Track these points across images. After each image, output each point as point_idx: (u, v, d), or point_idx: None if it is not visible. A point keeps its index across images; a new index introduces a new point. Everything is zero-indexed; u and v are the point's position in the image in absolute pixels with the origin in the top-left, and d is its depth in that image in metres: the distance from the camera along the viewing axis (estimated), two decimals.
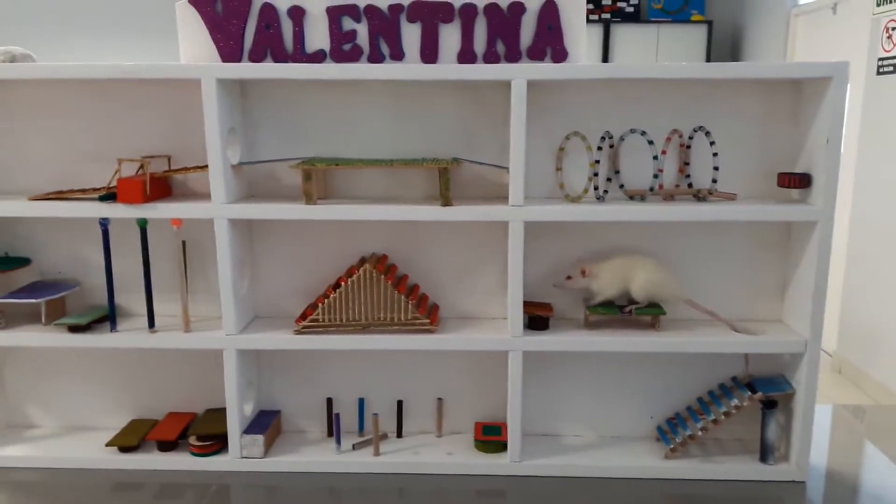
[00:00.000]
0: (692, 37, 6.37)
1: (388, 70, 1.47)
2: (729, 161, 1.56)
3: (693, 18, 6.40)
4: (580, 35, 1.53)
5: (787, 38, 5.48)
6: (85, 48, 6.18)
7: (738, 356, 1.63)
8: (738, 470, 1.57)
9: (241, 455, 1.59)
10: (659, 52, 6.42)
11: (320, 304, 1.56)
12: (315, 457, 1.62)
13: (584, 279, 1.58)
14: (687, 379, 1.67)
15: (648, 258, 1.58)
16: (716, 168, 1.51)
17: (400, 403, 1.70)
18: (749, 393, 1.56)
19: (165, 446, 1.62)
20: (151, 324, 1.57)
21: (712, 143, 1.50)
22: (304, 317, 1.59)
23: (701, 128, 1.51)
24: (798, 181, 1.49)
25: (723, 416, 1.56)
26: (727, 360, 1.65)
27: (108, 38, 6.22)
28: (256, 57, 1.54)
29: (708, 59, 6.31)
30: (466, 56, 1.54)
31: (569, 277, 1.59)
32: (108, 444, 1.63)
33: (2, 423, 1.74)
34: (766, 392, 1.56)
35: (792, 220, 1.53)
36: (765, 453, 1.58)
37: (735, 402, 1.56)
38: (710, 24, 6.30)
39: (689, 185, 1.57)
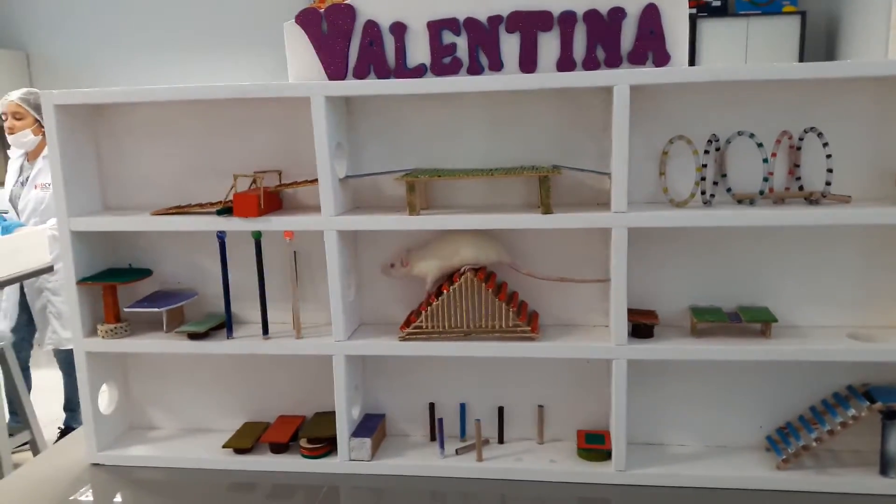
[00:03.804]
0: (784, 30, 6.12)
1: (489, 82, 1.49)
2: (841, 162, 1.50)
3: (785, 10, 6.15)
4: (682, 38, 1.51)
5: (888, 28, 5.21)
6: (172, 70, 6.46)
7: (851, 364, 1.57)
8: (856, 483, 1.50)
9: (350, 458, 1.64)
10: (749, 47, 6.20)
11: (423, 312, 1.59)
12: (420, 461, 1.65)
13: (404, 269, 1.62)
14: (798, 387, 1.62)
15: (465, 231, 1.59)
16: (829, 170, 1.46)
17: (501, 410, 1.72)
18: (868, 403, 1.50)
19: (278, 448, 1.69)
20: (266, 331, 1.64)
21: (825, 145, 1.45)
22: (408, 323, 1.62)
23: (813, 128, 1.46)
24: None
25: (839, 427, 1.50)
26: (839, 367, 1.59)
27: (183, 58, 6.47)
28: (360, 73, 1.59)
29: (801, 54, 6.06)
30: (566, 63, 1.54)
31: (392, 265, 1.63)
32: (224, 446, 1.71)
33: (126, 424, 1.85)
34: (886, 402, 1.49)
35: None
36: (885, 466, 1.51)
37: (853, 412, 1.50)
38: (803, 15, 6.05)
39: (800, 188, 1.52)
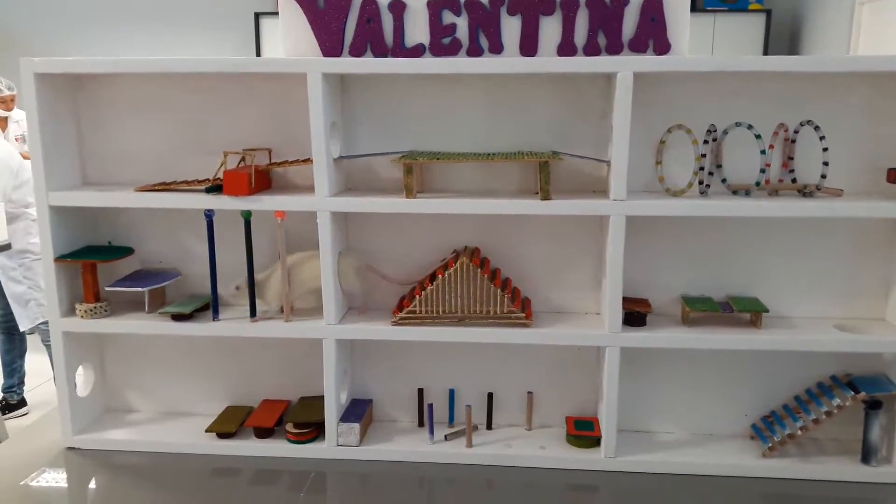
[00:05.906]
0: (750, 27, 6.21)
1: (491, 64, 1.47)
2: (833, 156, 1.52)
3: (751, 7, 6.25)
4: (684, 27, 1.51)
5: (851, 29, 5.33)
6: (135, 44, 6.22)
7: (836, 354, 1.60)
8: (838, 471, 1.54)
9: (338, 443, 1.61)
10: (715, 42, 6.28)
11: (417, 296, 1.57)
12: (408, 446, 1.63)
13: (238, 292, 1.62)
14: (783, 376, 1.65)
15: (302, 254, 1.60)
16: (825, 163, 1.48)
17: (490, 396, 1.71)
18: (852, 393, 1.53)
19: (262, 433, 1.65)
20: (253, 313, 1.60)
21: (822, 138, 1.47)
22: (400, 308, 1.60)
23: (809, 122, 1.48)
24: None
25: (824, 416, 1.53)
26: (824, 357, 1.62)
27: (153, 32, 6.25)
28: (357, 51, 1.55)
29: (766, 51, 6.17)
30: (567, 48, 1.53)
31: (237, 287, 1.63)
32: (207, 430, 1.66)
33: (102, 407, 1.79)
34: (869, 392, 1.52)
35: None
36: (867, 455, 1.54)
37: (837, 401, 1.53)
38: (769, 13, 6.15)
39: (793, 181, 1.54)
